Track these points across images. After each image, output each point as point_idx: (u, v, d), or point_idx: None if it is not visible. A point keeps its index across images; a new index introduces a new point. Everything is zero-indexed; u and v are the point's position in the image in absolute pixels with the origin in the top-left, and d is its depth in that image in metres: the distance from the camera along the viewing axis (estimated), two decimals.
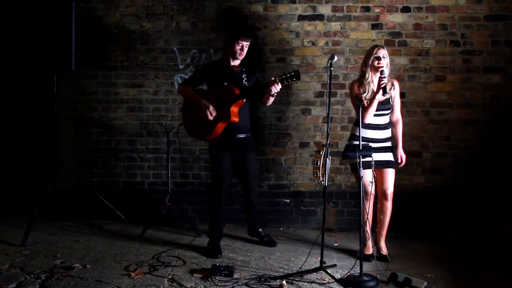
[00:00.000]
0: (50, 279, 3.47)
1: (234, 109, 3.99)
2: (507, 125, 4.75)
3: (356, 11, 4.84)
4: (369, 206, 3.76)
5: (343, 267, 3.82)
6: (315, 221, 4.98)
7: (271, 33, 4.91)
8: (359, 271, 3.48)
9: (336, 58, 3.66)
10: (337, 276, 3.61)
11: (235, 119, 4.00)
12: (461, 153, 4.82)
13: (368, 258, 3.93)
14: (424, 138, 4.84)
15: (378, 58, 3.84)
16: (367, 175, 3.74)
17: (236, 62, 4.17)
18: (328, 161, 3.60)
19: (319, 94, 4.92)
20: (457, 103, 4.82)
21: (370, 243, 4.01)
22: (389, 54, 4.74)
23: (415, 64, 4.83)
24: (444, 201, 4.80)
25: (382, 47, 3.93)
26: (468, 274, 3.72)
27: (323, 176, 3.60)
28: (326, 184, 3.58)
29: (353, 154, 3.54)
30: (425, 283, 3.40)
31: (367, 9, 4.83)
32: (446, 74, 4.81)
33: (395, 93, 3.95)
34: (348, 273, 3.57)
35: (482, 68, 4.78)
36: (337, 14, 4.86)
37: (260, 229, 4.40)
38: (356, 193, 3.82)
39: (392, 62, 4.77)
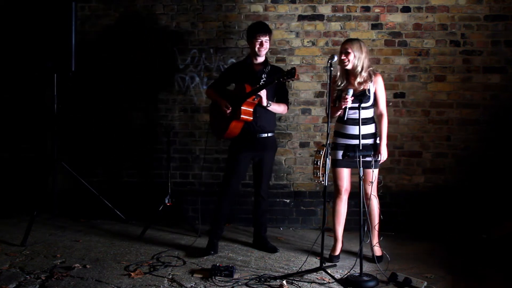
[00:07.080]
0: (50, 279, 3.47)
1: (244, 107, 3.93)
2: (507, 125, 4.75)
3: (356, 11, 4.84)
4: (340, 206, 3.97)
5: (343, 267, 3.82)
6: (315, 221, 4.98)
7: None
8: (359, 271, 3.48)
9: (336, 58, 3.66)
10: (337, 276, 3.61)
11: (246, 117, 3.94)
12: (461, 153, 4.82)
13: (332, 259, 3.96)
14: (424, 138, 4.84)
15: (345, 53, 3.77)
16: (345, 174, 3.87)
17: (259, 60, 4.13)
18: (328, 161, 3.61)
19: (319, 94, 4.92)
20: (457, 103, 4.82)
21: (339, 245, 4.03)
22: (389, 54, 4.82)
23: (415, 64, 4.83)
24: (444, 201, 4.80)
25: (349, 41, 3.83)
26: (468, 274, 3.72)
27: (323, 176, 3.60)
28: (326, 184, 3.58)
29: (353, 154, 3.54)
30: (425, 283, 3.40)
31: (367, 9, 4.83)
32: (446, 74, 4.81)
33: (376, 87, 3.82)
34: (348, 273, 3.57)
35: (482, 68, 4.77)
36: (337, 14, 4.85)
37: (264, 235, 4.33)
38: (356, 193, 3.81)
39: (392, 62, 4.81)
